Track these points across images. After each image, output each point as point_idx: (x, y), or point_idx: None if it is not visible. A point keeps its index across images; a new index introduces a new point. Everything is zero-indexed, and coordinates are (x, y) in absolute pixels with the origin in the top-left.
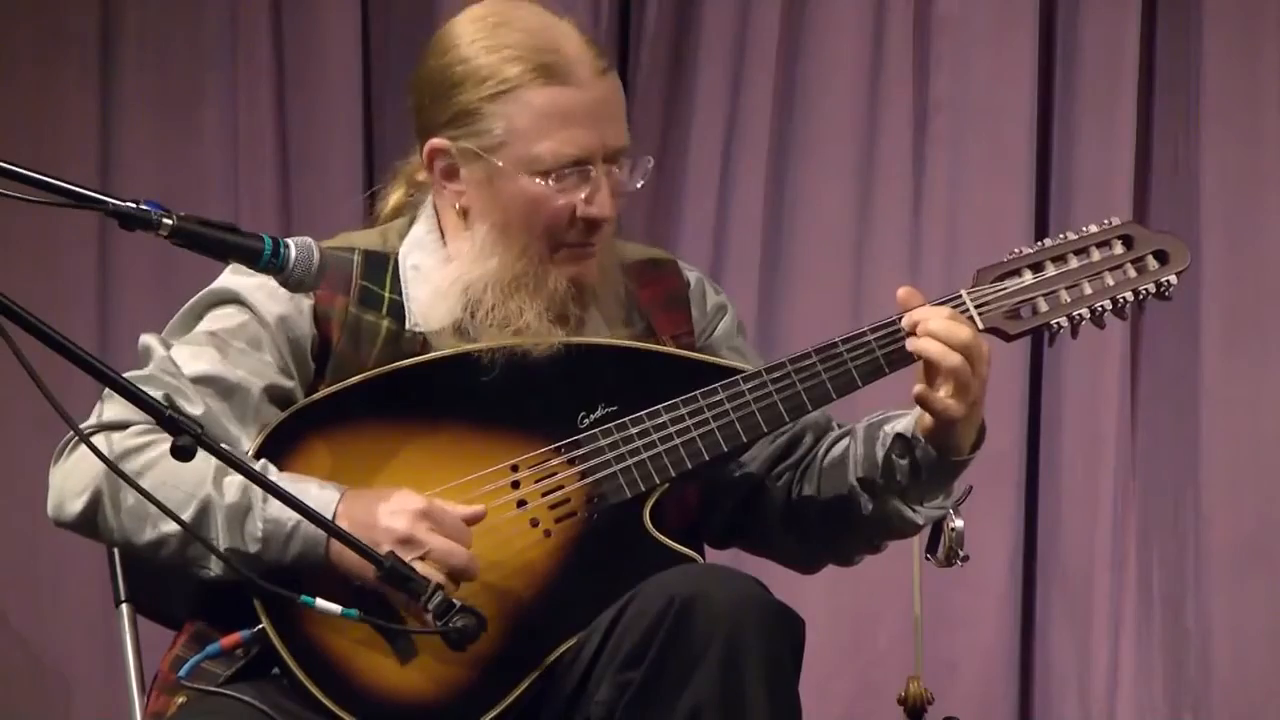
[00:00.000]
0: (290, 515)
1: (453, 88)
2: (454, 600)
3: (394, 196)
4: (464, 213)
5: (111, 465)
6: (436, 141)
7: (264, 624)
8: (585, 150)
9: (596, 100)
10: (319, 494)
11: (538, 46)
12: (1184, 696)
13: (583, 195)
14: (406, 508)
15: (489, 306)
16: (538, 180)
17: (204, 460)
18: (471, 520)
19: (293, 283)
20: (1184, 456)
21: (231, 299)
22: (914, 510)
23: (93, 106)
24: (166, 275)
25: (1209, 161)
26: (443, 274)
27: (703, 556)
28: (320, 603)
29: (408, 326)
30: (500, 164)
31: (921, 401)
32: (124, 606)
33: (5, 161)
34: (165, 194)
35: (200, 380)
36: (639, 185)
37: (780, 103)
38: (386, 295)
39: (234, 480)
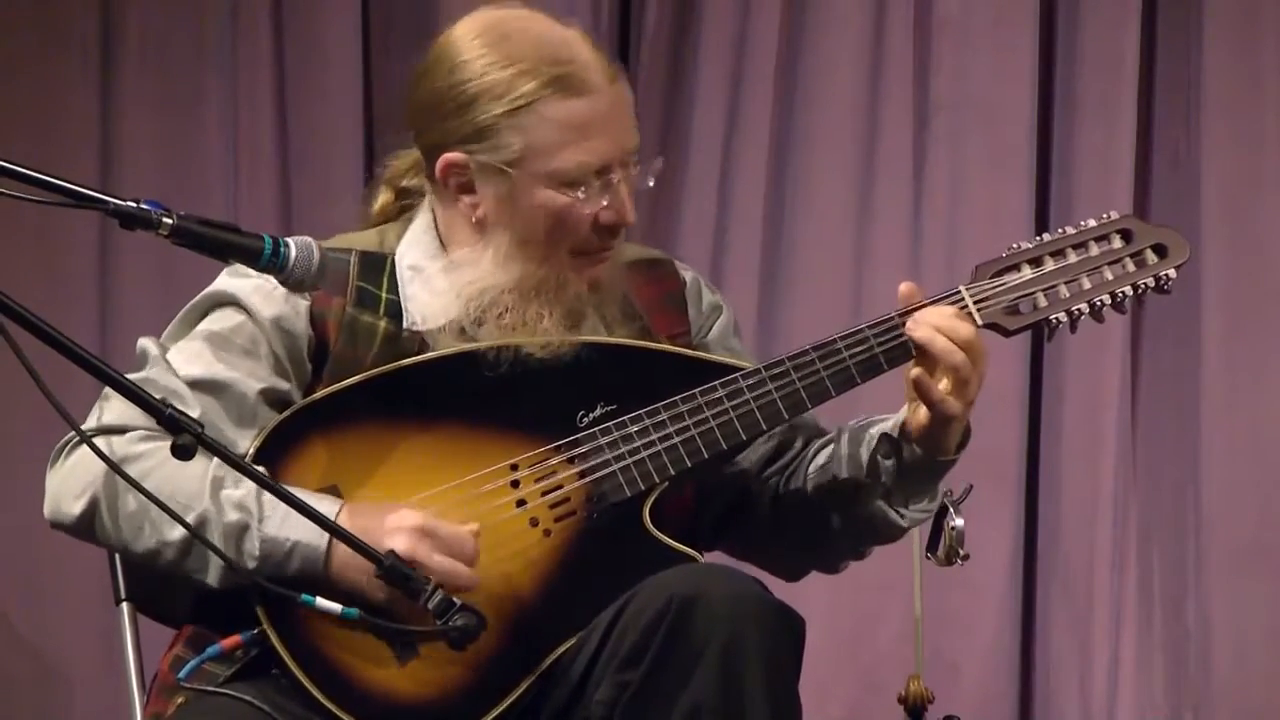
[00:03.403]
0: (288, 534)
1: (468, 104)
2: (454, 600)
3: (379, 200)
4: (480, 223)
5: (115, 467)
6: (452, 156)
7: (264, 626)
8: (606, 158)
9: (612, 107)
10: (316, 508)
11: (549, 58)
12: (1184, 696)
13: (605, 202)
14: (405, 525)
15: (505, 307)
16: (563, 191)
17: (200, 473)
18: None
19: (293, 282)
20: (1184, 456)
21: (228, 301)
22: (898, 513)
23: (93, 106)
24: (166, 275)
25: (1209, 161)
26: (454, 276)
27: (701, 557)
28: (320, 601)
29: (405, 326)
30: (521, 178)
31: (919, 387)
32: (124, 605)
33: (6, 161)
34: (165, 193)
35: (196, 384)
36: (650, 184)
37: (780, 102)
38: (383, 296)
39: (232, 496)
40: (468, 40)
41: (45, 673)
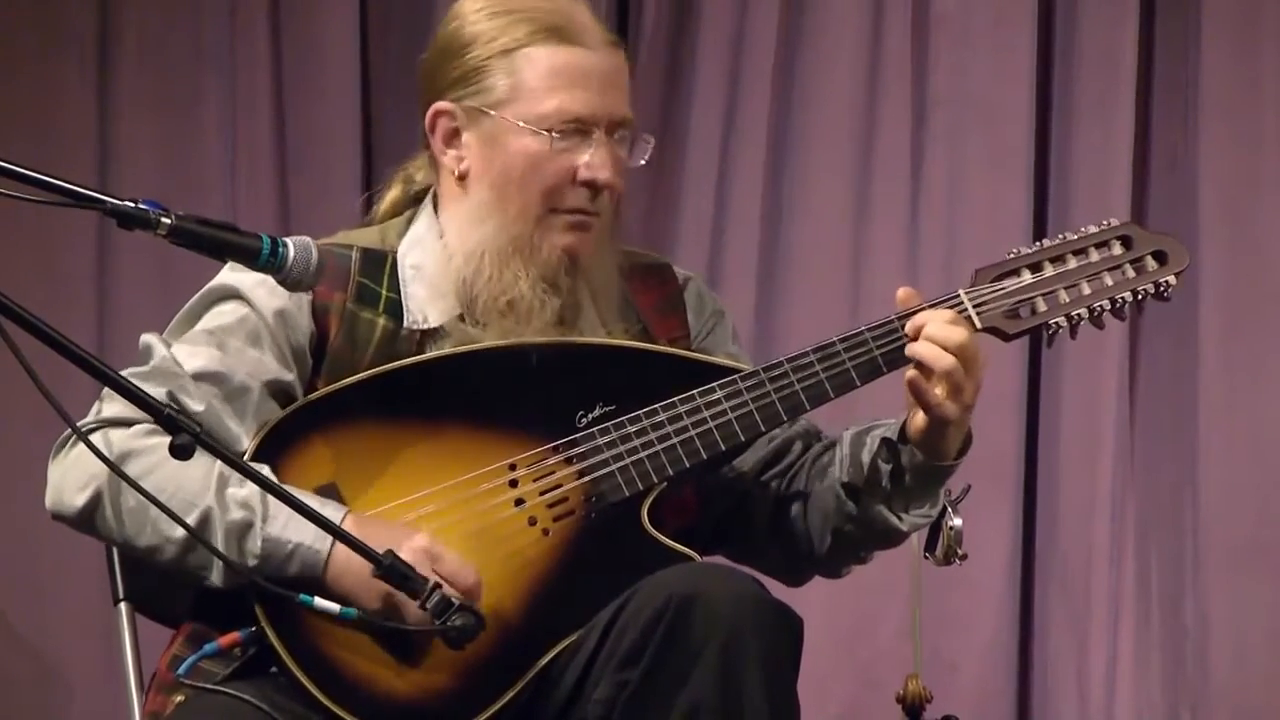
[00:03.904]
0: (290, 536)
1: (461, 49)
2: (452, 599)
3: (391, 194)
4: (463, 178)
5: (113, 467)
6: (441, 104)
7: (262, 624)
8: (590, 111)
9: (604, 66)
10: (321, 512)
11: (549, 10)
12: (1182, 694)
13: (584, 158)
14: (413, 544)
15: (486, 276)
16: (540, 134)
17: (206, 469)
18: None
19: (290, 282)
20: (1182, 455)
21: (231, 295)
22: (899, 517)
23: (92, 105)
24: (166, 275)
25: (1207, 162)
26: (440, 245)
27: (699, 557)
28: (319, 601)
29: (405, 324)
30: (503, 118)
31: (915, 391)
32: (122, 605)
33: (5, 161)
34: (163, 193)
35: (201, 376)
36: (641, 163)
37: (778, 101)
38: (384, 293)
39: (237, 494)
40: (473, 1)
41: (45, 673)
